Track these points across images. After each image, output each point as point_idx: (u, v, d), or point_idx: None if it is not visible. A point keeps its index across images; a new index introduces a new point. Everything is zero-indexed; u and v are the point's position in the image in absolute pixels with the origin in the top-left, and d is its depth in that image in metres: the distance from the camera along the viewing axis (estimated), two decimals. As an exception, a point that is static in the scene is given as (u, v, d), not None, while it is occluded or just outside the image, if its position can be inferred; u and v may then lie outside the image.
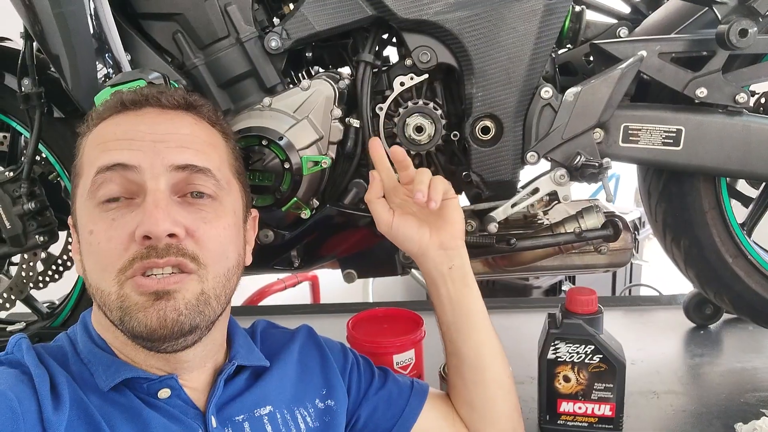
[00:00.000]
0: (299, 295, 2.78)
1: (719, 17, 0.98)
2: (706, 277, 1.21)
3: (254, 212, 0.85)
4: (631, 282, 2.95)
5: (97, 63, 1.05)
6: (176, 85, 0.98)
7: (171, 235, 0.66)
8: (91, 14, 1.01)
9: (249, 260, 0.81)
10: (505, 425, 0.92)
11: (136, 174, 0.68)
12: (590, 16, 1.17)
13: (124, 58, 1.02)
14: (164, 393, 0.72)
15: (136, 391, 0.71)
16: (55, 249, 1.40)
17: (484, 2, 0.99)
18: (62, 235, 1.39)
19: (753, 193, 1.29)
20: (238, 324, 0.86)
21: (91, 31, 1.02)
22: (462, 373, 0.92)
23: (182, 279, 0.68)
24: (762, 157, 1.04)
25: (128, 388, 0.70)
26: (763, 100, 1.19)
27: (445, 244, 0.89)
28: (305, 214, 1.06)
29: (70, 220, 0.76)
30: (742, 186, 1.34)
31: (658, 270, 2.61)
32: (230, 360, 0.79)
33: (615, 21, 1.17)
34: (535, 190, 1.05)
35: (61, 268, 1.41)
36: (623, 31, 1.14)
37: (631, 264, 2.97)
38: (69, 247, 1.40)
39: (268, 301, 2.53)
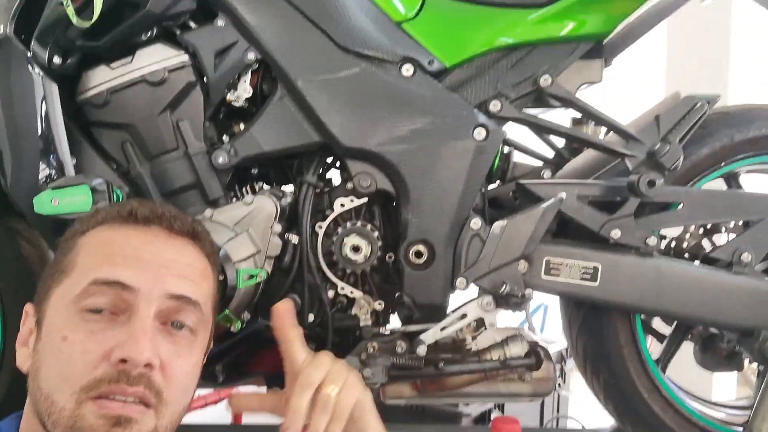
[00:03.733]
0: (220, 413, 2.64)
1: (630, 168, 1.10)
2: (624, 411, 1.24)
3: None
4: (558, 413, 2.95)
5: (40, 163, 1.06)
6: (119, 192, 0.99)
7: (147, 365, 0.65)
8: (41, 116, 1.03)
9: None
10: None
11: (130, 295, 0.67)
12: (518, 157, 1.28)
13: (69, 162, 1.03)
14: None
15: None
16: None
17: (423, 138, 1.07)
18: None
19: (667, 330, 1.36)
20: None
21: (39, 132, 1.04)
22: None
23: (144, 412, 0.66)
24: (672, 296, 1.12)
25: None
26: (673, 244, 1.29)
27: None
28: (235, 327, 1.05)
29: (29, 309, 0.74)
30: (657, 323, 1.43)
31: (585, 402, 2.64)
32: None
33: (540, 163, 1.28)
34: (464, 315, 1.08)
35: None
36: (547, 173, 1.24)
37: (558, 395, 3.00)
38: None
39: (185, 420, 2.39)
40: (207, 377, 1.13)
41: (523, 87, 1.11)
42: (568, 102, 1.13)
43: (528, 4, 1.12)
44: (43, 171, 1.06)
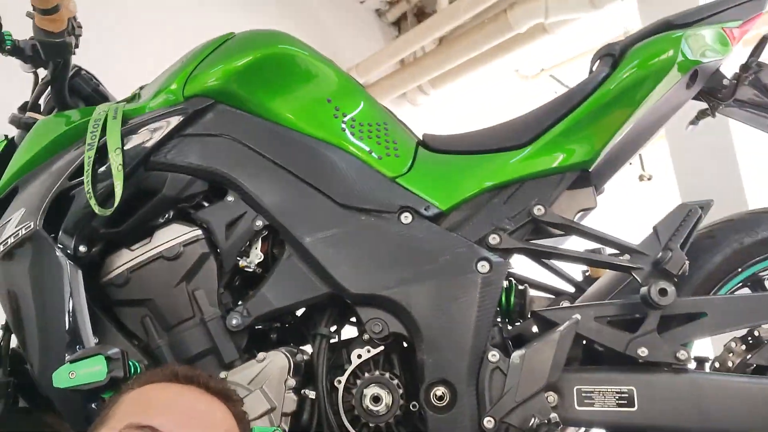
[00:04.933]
0: None
1: (639, 281, 1.08)
2: None
3: None
4: None
5: (66, 349, 1.10)
6: (138, 365, 1.01)
7: None
8: (69, 310, 1.09)
9: None
10: None
11: None
12: (536, 293, 1.28)
13: (92, 345, 1.07)
14: None
15: None
16: None
17: (427, 277, 1.10)
18: None
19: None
20: None
21: (66, 320, 1.09)
22: None
23: None
24: (716, 412, 1.03)
25: None
26: (717, 365, 1.21)
27: None
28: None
29: None
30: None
31: None
32: None
33: (559, 297, 1.28)
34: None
35: None
36: (565, 303, 1.23)
37: None
38: None
39: None
40: None
41: (518, 219, 1.15)
42: (564, 227, 1.16)
43: (508, 147, 1.20)
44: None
